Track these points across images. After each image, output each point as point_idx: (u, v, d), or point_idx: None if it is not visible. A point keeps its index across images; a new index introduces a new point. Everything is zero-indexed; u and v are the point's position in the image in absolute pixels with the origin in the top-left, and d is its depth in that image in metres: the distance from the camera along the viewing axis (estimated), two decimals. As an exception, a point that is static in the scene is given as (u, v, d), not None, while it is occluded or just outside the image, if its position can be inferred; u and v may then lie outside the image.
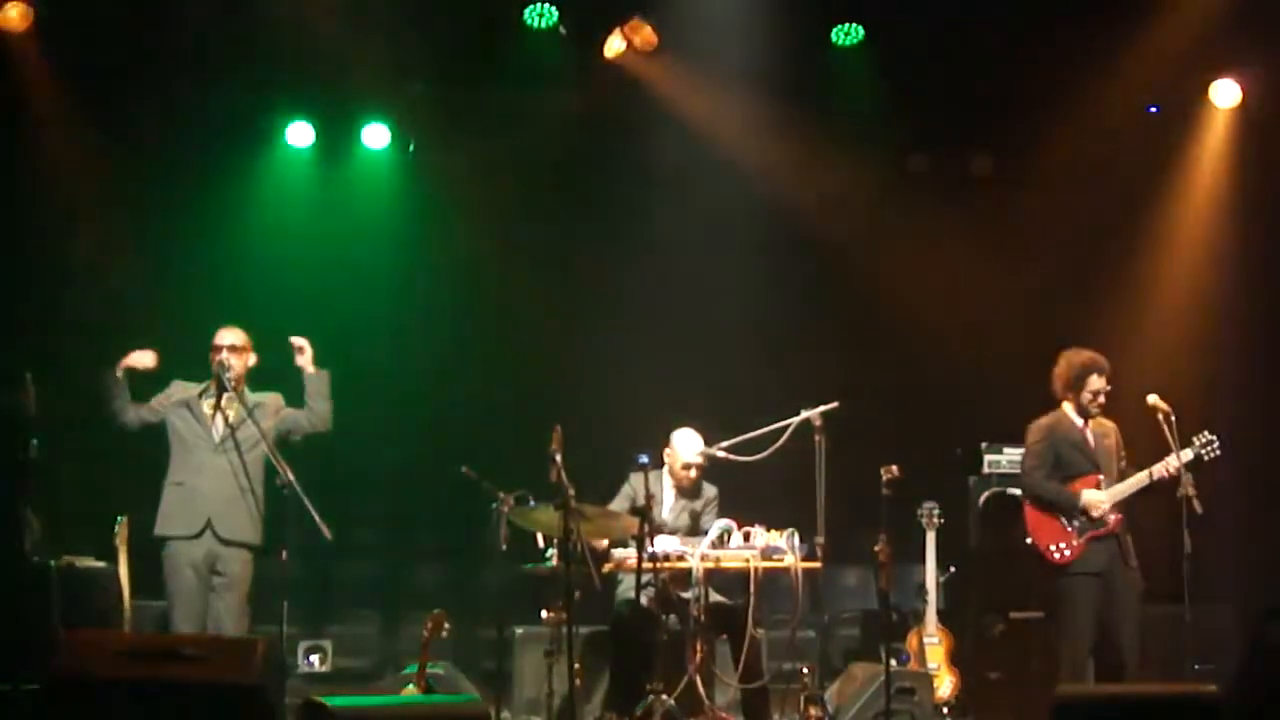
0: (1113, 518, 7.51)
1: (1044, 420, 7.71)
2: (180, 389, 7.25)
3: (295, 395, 7.49)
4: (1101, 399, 7.61)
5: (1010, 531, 8.97)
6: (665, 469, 7.80)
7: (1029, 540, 7.66)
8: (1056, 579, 7.56)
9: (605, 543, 7.37)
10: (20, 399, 7.32)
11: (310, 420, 7.37)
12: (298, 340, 7.38)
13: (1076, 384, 7.62)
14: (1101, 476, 7.55)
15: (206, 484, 7.08)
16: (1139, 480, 7.51)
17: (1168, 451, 7.40)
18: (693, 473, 7.72)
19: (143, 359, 7.17)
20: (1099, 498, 7.50)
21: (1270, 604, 8.85)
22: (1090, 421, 7.66)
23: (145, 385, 7.31)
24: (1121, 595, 7.46)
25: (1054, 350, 8.81)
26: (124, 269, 9.00)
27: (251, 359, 7.25)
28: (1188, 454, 7.45)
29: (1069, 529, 7.53)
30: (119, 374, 7.14)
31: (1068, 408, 7.67)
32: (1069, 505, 7.53)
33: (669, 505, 7.76)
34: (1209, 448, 7.49)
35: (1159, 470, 7.46)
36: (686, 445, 7.72)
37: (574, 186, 9.74)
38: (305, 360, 7.38)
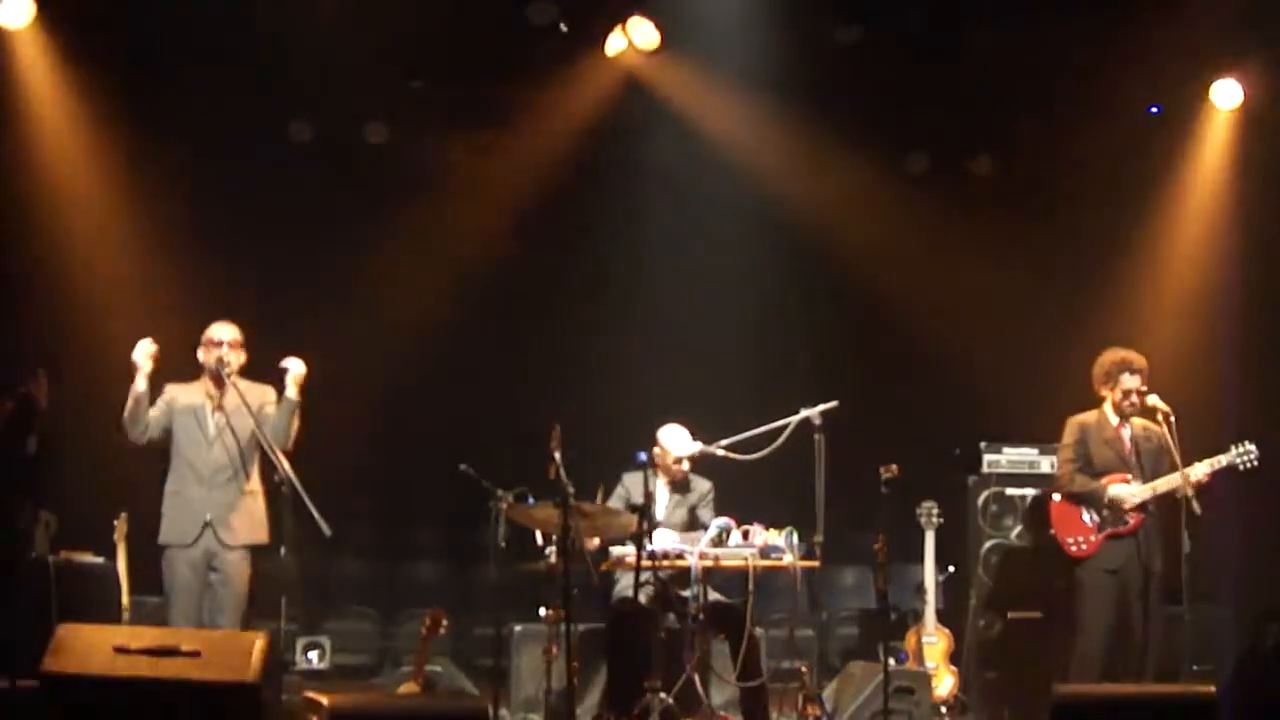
0: (1133, 518, 7.52)
1: (1080, 417, 7.78)
2: (179, 392, 7.15)
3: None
4: (1135, 398, 7.63)
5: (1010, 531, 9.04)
6: (659, 467, 7.79)
7: (1051, 532, 7.73)
8: (1072, 572, 7.60)
9: (596, 542, 7.36)
10: (33, 392, 7.31)
11: (273, 433, 7.01)
12: (289, 362, 7.09)
13: (1109, 383, 7.67)
14: (1130, 477, 7.58)
15: (205, 492, 7.02)
16: (1147, 489, 7.52)
17: (1204, 456, 7.47)
18: (685, 465, 7.73)
19: (147, 353, 6.91)
20: (1129, 491, 7.51)
21: (1268, 605, 8.88)
22: (1130, 421, 7.69)
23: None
24: (1137, 595, 7.48)
25: (1054, 350, 8.85)
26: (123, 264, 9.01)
27: (244, 355, 7.20)
28: (1223, 461, 7.49)
29: (1089, 524, 7.57)
30: (143, 386, 6.90)
31: (1106, 407, 7.73)
32: (1097, 499, 7.58)
33: (663, 503, 7.76)
34: (1246, 457, 7.51)
35: (1163, 485, 7.48)
36: (676, 440, 7.73)
37: (574, 185, 9.73)
38: (289, 381, 7.06)
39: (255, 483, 7.10)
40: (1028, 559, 8.78)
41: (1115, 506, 7.53)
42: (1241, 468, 7.52)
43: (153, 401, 7.05)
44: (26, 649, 5.65)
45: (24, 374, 7.45)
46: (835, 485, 7.17)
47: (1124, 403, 7.64)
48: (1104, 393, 7.73)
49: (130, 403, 6.95)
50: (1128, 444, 7.66)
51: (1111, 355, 7.72)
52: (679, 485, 7.80)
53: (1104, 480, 7.60)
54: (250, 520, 7.07)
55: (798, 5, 9.27)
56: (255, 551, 7.11)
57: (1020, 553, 8.91)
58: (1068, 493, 7.71)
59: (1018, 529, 9.00)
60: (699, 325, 9.83)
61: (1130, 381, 7.62)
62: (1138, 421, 7.70)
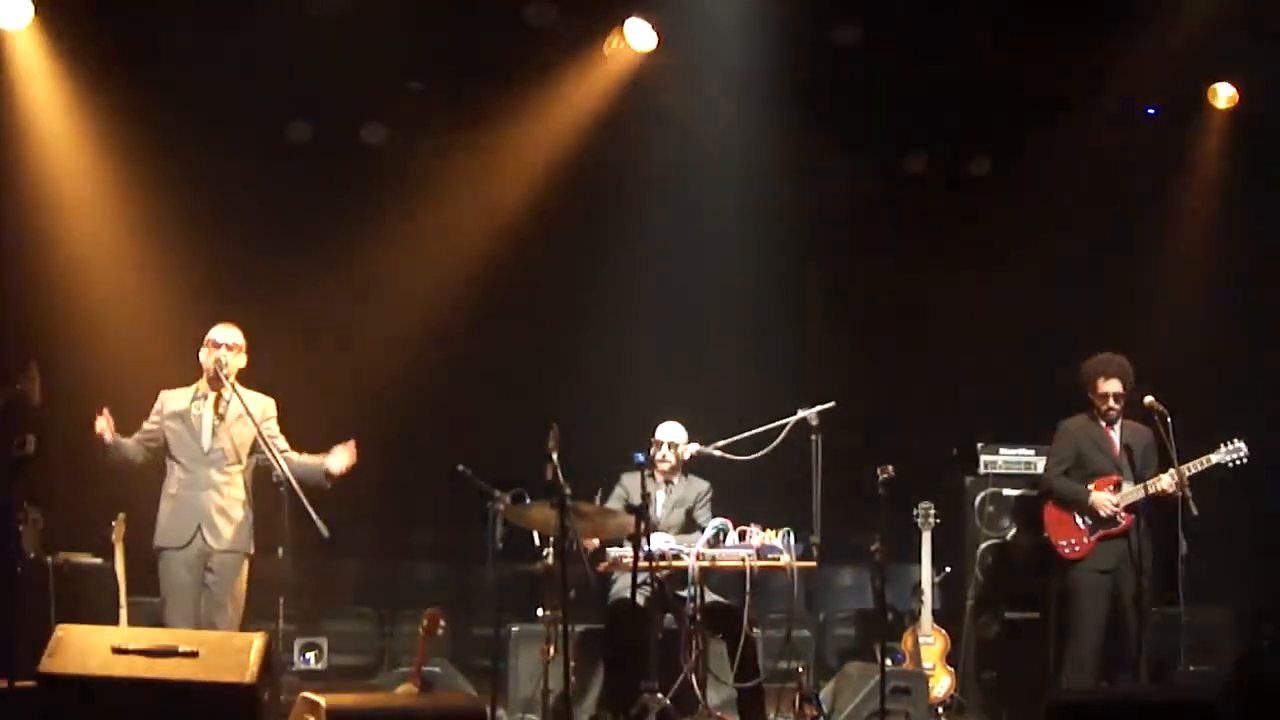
0: (1125, 519, 7.54)
1: (1069, 421, 7.84)
2: (170, 399, 7.18)
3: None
4: (1113, 402, 7.66)
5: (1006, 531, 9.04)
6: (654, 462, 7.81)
7: (1045, 535, 7.77)
8: (1066, 574, 7.62)
9: (596, 542, 7.37)
10: (26, 389, 7.30)
11: (276, 465, 6.97)
12: (350, 452, 7.18)
13: (1088, 387, 7.70)
14: (1120, 478, 7.60)
15: (199, 496, 7.04)
16: (1135, 491, 7.54)
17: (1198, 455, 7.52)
18: (667, 451, 7.72)
19: (105, 427, 6.98)
20: (1107, 499, 7.54)
21: (1265, 606, 8.89)
22: (1119, 424, 7.69)
23: (129, 410, 7.18)
24: (1130, 595, 7.50)
25: (1052, 351, 8.85)
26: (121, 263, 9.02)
27: (243, 359, 7.21)
28: (1213, 459, 7.51)
29: (1081, 526, 7.59)
30: (112, 442, 7.00)
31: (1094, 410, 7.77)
32: (1081, 503, 7.59)
33: (661, 503, 7.77)
34: (1235, 455, 7.53)
35: (1154, 487, 7.50)
36: (668, 430, 7.77)
37: (573, 185, 9.73)
38: (334, 463, 7.13)
39: (248, 491, 7.10)
40: (1024, 559, 8.79)
41: (1095, 512, 7.55)
42: (1231, 465, 7.55)
43: (146, 415, 7.13)
44: (25, 649, 5.67)
45: (16, 369, 7.45)
46: (832, 486, 7.18)
47: (1103, 407, 7.68)
48: (1090, 396, 7.78)
49: (108, 461, 7.03)
50: (1117, 445, 7.69)
51: (1089, 362, 7.81)
52: (674, 483, 7.80)
53: (1093, 484, 7.63)
54: (241, 528, 7.09)
55: (797, 5, 9.26)
56: (250, 555, 7.14)
57: (1017, 553, 8.92)
58: (1049, 493, 7.75)
59: (1014, 529, 9.01)
60: (698, 325, 9.83)
61: (1106, 386, 7.67)
62: (1127, 422, 7.72)
